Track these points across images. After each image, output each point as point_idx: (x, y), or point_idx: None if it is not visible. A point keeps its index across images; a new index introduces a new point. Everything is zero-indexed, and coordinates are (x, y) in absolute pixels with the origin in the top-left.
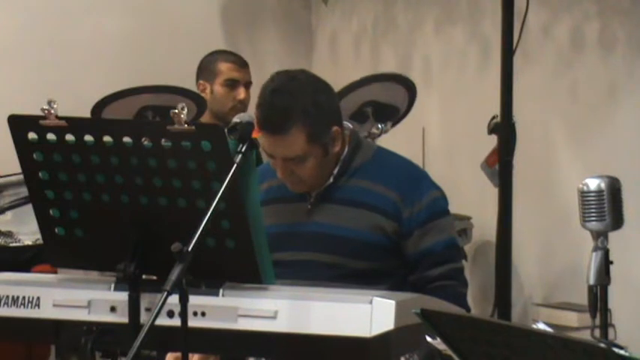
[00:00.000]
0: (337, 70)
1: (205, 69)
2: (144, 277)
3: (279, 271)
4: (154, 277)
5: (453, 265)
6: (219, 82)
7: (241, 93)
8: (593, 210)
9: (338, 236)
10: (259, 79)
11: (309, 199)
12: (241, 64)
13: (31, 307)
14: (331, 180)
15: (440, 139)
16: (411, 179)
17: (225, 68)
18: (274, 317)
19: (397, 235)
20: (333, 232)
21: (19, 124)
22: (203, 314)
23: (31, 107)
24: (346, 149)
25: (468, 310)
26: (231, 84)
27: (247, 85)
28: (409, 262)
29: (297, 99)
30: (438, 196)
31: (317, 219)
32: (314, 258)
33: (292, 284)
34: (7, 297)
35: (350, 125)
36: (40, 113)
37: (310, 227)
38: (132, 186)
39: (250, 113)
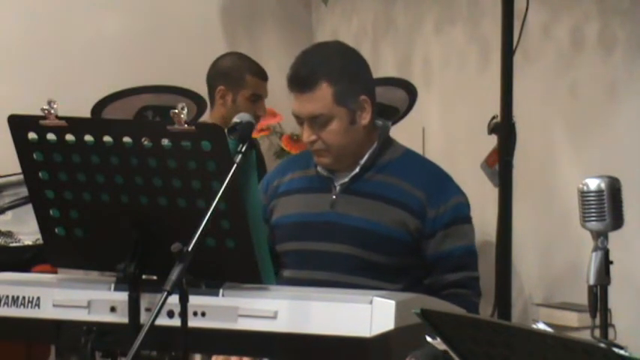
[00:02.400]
0: None
1: (229, 76)
2: (144, 277)
3: (298, 260)
4: (154, 277)
5: (469, 274)
6: (245, 95)
7: (262, 109)
8: (593, 210)
9: (359, 228)
10: None
11: (333, 189)
12: (265, 78)
13: (31, 307)
14: (357, 170)
15: (440, 139)
16: (439, 181)
17: (252, 82)
18: (274, 317)
19: (419, 233)
20: (354, 224)
21: (19, 124)
22: (203, 314)
23: (31, 107)
24: (375, 144)
25: None
26: (255, 99)
27: (264, 98)
28: (427, 263)
29: (327, 59)
30: (462, 202)
31: (340, 210)
32: (333, 249)
33: (308, 276)
34: (7, 297)
35: (380, 122)
36: (40, 113)
37: (332, 218)
38: (132, 186)
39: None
